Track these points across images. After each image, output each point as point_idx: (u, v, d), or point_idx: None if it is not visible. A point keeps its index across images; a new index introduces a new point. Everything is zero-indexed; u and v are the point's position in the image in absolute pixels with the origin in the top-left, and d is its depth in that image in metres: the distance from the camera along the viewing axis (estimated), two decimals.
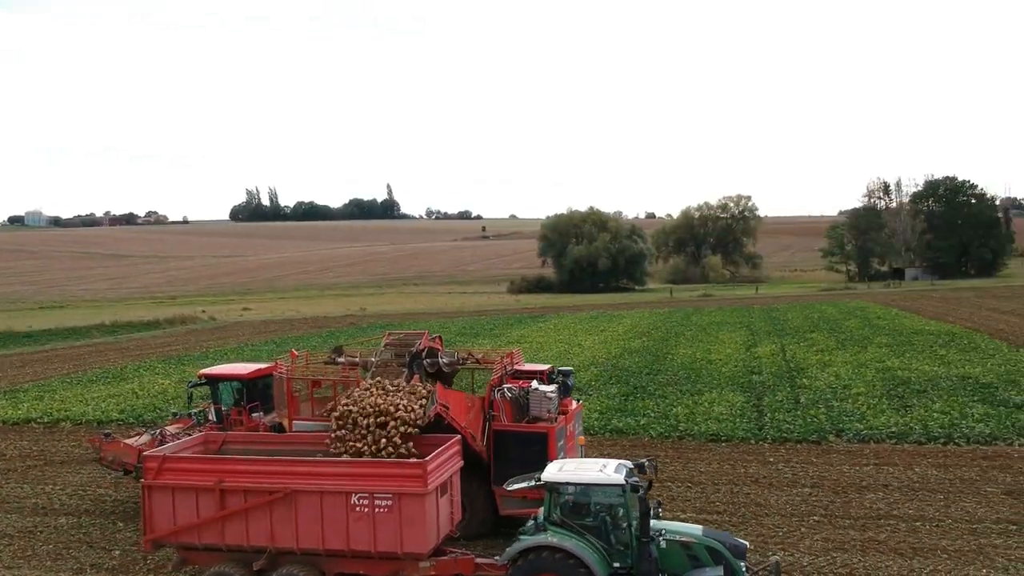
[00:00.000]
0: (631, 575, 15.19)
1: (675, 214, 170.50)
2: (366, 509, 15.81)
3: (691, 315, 76.65)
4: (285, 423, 22.17)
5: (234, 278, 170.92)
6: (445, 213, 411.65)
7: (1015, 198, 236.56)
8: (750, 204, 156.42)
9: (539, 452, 20.07)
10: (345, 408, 17.94)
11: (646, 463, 16.61)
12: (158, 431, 24.82)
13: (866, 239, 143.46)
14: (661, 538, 15.17)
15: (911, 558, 18.86)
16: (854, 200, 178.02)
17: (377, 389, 18.36)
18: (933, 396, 34.61)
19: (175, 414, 28.23)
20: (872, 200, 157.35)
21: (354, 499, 15.86)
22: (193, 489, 16.53)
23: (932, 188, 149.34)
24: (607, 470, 15.77)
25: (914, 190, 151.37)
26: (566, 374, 22.54)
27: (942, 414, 31.48)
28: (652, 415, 33.01)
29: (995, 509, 21.94)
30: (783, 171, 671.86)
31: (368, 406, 17.68)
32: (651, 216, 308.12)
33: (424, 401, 17.97)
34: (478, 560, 16.53)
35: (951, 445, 28.20)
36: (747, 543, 16.01)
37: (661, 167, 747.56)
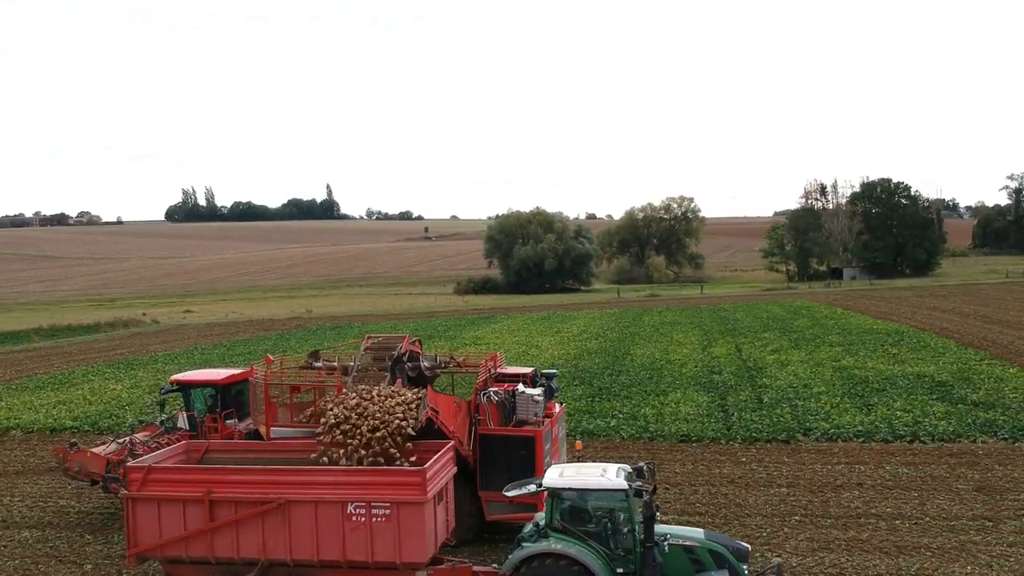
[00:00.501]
0: None
1: (615, 215, 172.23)
2: (363, 518, 15.46)
3: (642, 315, 77.14)
4: (262, 430, 21.64)
5: (174, 280, 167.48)
6: (386, 214, 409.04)
7: (945, 199, 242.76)
8: (692, 205, 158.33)
9: (526, 456, 19.91)
10: (335, 414, 17.53)
11: (645, 467, 16.50)
12: (126, 440, 24.08)
13: (805, 240, 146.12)
14: (665, 543, 15.08)
15: (896, 556, 19.10)
16: (787, 201, 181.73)
17: (365, 394, 17.96)
18: (892, 395, 35.22)
19: (142, 422, 27.40)
20: (809, 201, 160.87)
21: (350, 508, 15.50)
22: (180, 500, 16.00)
23: (869, 190, 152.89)
24: (608, 474, 15.64)
25: (851, 191, 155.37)
26: (549, 377, 22.39)
27: (904, 412, 32.05)
28: (621, 416, 33.03)
29: (969, 506, 22.35)
30: (718, 173, 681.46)
31: (357, 412, 17.28)
32: (591, 217, 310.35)
33: (416, 406, 17.64)
34: (476, 568, 16.29)
35: (916, 443, 28.69)
36: (749, 546, 16.01)
37: (604, 168, 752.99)
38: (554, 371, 23.75)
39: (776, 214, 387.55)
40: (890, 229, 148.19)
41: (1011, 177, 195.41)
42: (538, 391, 20.73)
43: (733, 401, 35.40)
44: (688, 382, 39.71)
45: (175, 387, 22.99)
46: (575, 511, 15.51)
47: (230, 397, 22.59)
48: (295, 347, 57.48)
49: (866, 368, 41.53)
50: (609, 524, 15.44)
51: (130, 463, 17.08)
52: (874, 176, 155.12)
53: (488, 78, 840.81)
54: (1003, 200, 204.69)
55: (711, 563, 15.20)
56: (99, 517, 23.67)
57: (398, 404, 17.50)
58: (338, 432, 17.27)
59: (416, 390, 18.50)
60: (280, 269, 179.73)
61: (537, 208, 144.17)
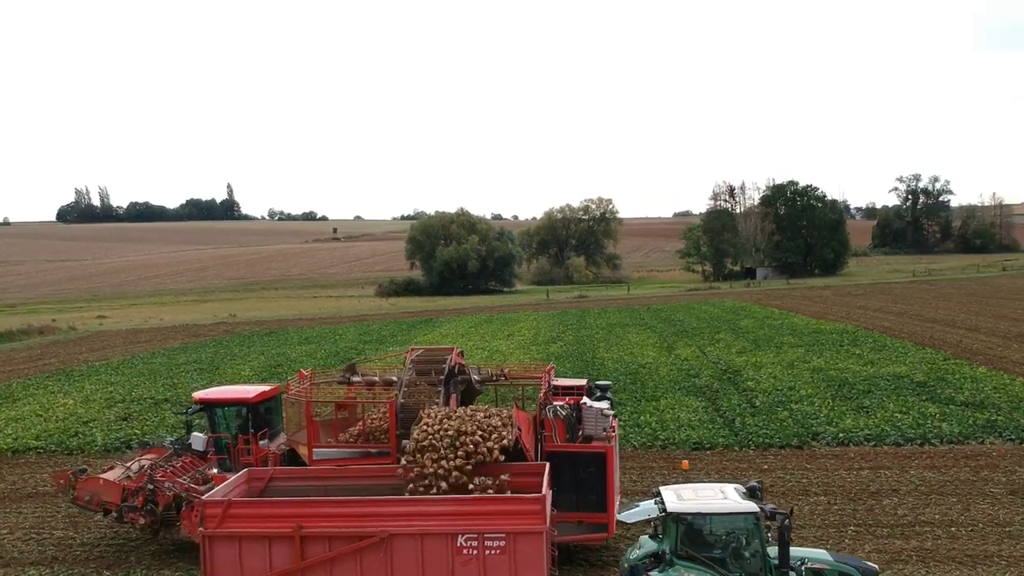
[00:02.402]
0: None
1: (522, 216, 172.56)
2: (475, 551, 14.27)
3: (583, 317, 76.83)
4: (301, 451, 20.14)
5: (77, 284, 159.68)
6: (289, 214, 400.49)
7: (845, 201, 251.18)
8: (611, 207, 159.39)
9: (595, 474, 18.95)
10: (418, 438, 16.24)
11: (757, 486, 15.75)
12: (135, 464, 22.17)
13: (720, 240, 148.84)
14: (803, 567, 14.36)
15: (973, 567, 18.88)
16: (687, 203, 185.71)
17: (451, 415, 16.72)
18: (880, 397, 35.49)
19: (146, 443, 25.32)
20: (718, 203, 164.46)
21: (461, 540, 14.29)
22: (266, 537, 14.51)
23: (779, 192, 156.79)
24: (730, 496, 14.85)
25: (757, 193, 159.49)
26: (604, 388, 21.48)
27: (902, 414, 32.30)
28: (625, 424, 32.31)
29: (1013, 511, 22.39)
30: (622, 176, 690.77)
31: (451, 434, 16.04)
32: (497, 217, 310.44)
33: (507, 426, 16.53)
34: None
35: (928, 446, 28.87)
36: (877, 567, 15.43)
37: (511, 170, 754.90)
38: (608, 382, 22.85)
39: (676, 215, 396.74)
40: (799, 230, 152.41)
41: (900, 179, 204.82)
42: (606, 404, 19.79)
43: (726, 406, 35.14)
44: (672, 386, 39.32)
45: (200, 406, 21.15)
46: (698, 535, 14.67)
47: (259, 416, 20.91)
48: (244, 355, 55.11)
49: (840, 369, 41.90)
50: (736, 549, 14.63)
51: (205, 497, 15.39)
52: (778, 179, 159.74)
53: (390, 75, 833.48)
54: (892, 201, 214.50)
55: None
56: (108, 549, 21.68)
57: (490, 426, 16.33)
58: (424, 457, 16.01)
59: (500, 409, 17.37)
60: (190, 272, 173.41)
61: (460, 209, 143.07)
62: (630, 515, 15.36)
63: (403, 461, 16.48)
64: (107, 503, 20.74)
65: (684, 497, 14.91)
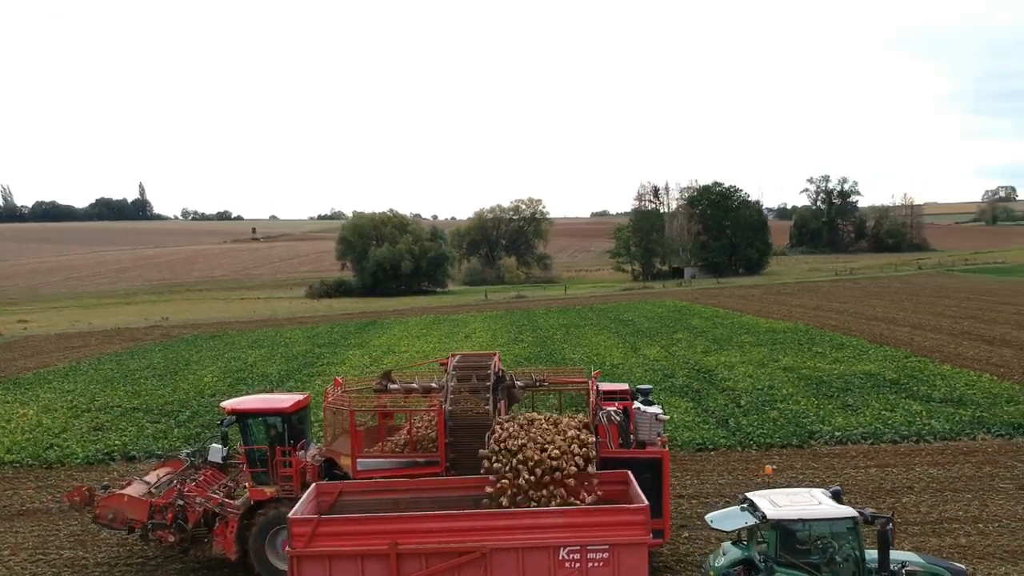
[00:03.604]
0: None
1: (443, 216, 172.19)
2: (577, 564, 13.91)
3: (532, 317, 76.72)
4: (343, 461, 19.41)
5: None
6: (203, 214, 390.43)
7: (759, 201, 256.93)
8: (541, 207, 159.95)
9: (652, 480, 18.71)
10: (494, 451, 15.79)
11: (839, 490, 15.74)
12: (151, 477, 21.14)
13: (648, 240, 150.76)
14: (904, 570, 14.39)
15: (1015, 563, 19.31)
16: (608, 203, 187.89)
17: (536, 425, 16.30)
18: (860, 395, 36.20)
19: (160, 456, 24.09)
20: (643, 203, 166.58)
21: (563, 554, 13.90)
22: (358, 556, 13.89)
23: (704, 193, 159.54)
24: (823, 500, 14.82)
25: (684, 194, 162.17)
26: (645, 392, 21.27)
27: (890, 412, 33.00)
28: None
29: None
30: (546, 176, 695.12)
31: (548, 447, 15.62)
32: (416, 216, 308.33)
33: (587, 436, 16.18)
34: None
35: (923, 443, 29.58)
36: (964, 567, 15.58)
37: (430, 169, 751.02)
38: (649, 386, 22.65)
39: (594, 215, 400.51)
40: (724, 230, 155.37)
41: (811, 180, 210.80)
42: (659, 409, 19.59)
43: (714, 406, 35.40)
44: (653, 387, 39.32)
45: (235, 417, 20.14)
46: (795, 542, 14.57)
47: (293, 426, 20.05)
48: (198, 360, 53.32)
49: (811, 368, 42.66)
50: (834, 554, 14.58)
51: (292, 515, 14.60)
52: (694, 180, 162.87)
53: (301, 73, 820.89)
54: (803, 201, 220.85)
55: None
56: (128, 569, 20.60)
57: (572, 436, 15.97)
58: (507, 470, 15.56)
59: (572, 416, 17.01)
60: (110, 273, 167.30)
61: (391, 210, 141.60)
62: (725, 522, 15.11)
63: (488, 473, 15.97)
64: (132, 520, 19.68)
65: (779, 503, 14.80)
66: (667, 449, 19.15)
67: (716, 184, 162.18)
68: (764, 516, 14.45)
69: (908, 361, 43.92)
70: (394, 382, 20.94)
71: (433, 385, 20.74)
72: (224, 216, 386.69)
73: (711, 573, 15.28)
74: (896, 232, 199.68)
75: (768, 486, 19.09)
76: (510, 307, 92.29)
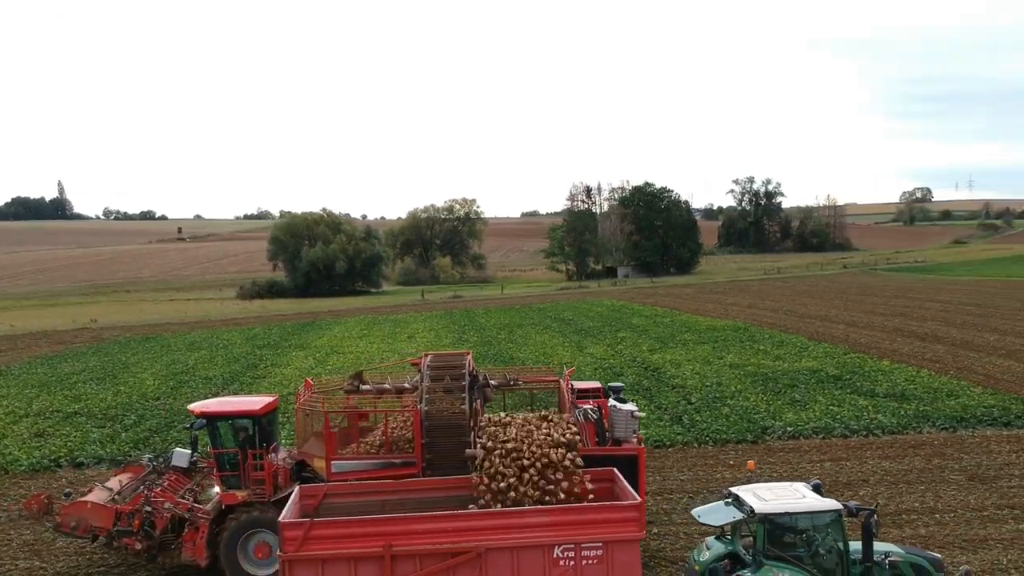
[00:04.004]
0: None
1: (372, 216, 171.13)
2: (571, 562, 13.95)
3: (472, 317, 76.68)
4: (317, 464, 19.14)
5: None
6: (126, 213, 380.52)
7: (688, 202, 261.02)
8: (476, 207, 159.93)
9: (628, 477, 18.81)
10: (485, 450, 15.74)
11: (818, 483, 16.07)
12: (112, 483, 20.54)
13: (582, 240, 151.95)
14: (886, 560, 14.76)
15: (974, 551, 19.94)
16: (534, 204, 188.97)
17: (523, 424, 16.29)
18: (806, 391, 37.01)
19: (121, 462, 23.36)
20: (575, 203, 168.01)
21: (557, 552, 13.93)
22: (351, 559, 13.70)
23: (637, 193, 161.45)
24: (807, 494, 15.13)
25: (613, 194, 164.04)
26: (616, 390, 21.43)
27: (837, 408, 33.82)
28: None
29: (980, 496, 23.85)
30: (476, 176, 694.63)
31: (536, 445, 15.62)
32: (346, 216, 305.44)
33: (575, 434, 16.23)
34: None
35: (872, 437, 30.38)
36: (940, 556, 16.03)
37: (360, 168, 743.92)
38: (621, 384, 22.80)
39: (524, 215, 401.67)
40: (656, 230, 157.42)
41: (736, 181, 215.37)
42: (634, 406, 19.75)
43: (666, 403, 35.82)
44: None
45: (205, 421, 19.63)
46: (780, 535, 14.82)
47: (263, 428, 19.68)
48: (136, 362, 51.97)
49: (756, 365, 43.49)
50: (817, 546, 14.88)
51: (283, 519, 14.31)
52: (630, 180, 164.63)
53: (227, 70, 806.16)
54: (728, 202, 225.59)
55: None
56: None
57: (560, 434, 16.01)
58: (497, 469, 15.53)
59: (564, 416, 17.05)
60: (30, 274, 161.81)
61: (324, 209, 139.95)
62: (712, 517, 15.27)
63: (476, 473, 15.90)
64: (96, 528, 19.09)
65: (765, 498, 15.05)
66: (643, 446, 19.32)
67: (648, 185, 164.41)
68: (752, 510, 14.67)
69: (847, 357, 45.06)
70: (366, 383, 20.74)
71: (406, 385, 20.60)
72: (148, 216, 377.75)
73: (696, 568, 15.44)
74: (820, 232, 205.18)
75: (748, 480, 19.41)
76: (448, 307, 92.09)
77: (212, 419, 19.36)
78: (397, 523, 14.02)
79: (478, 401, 19.37)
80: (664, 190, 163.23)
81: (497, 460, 15.74)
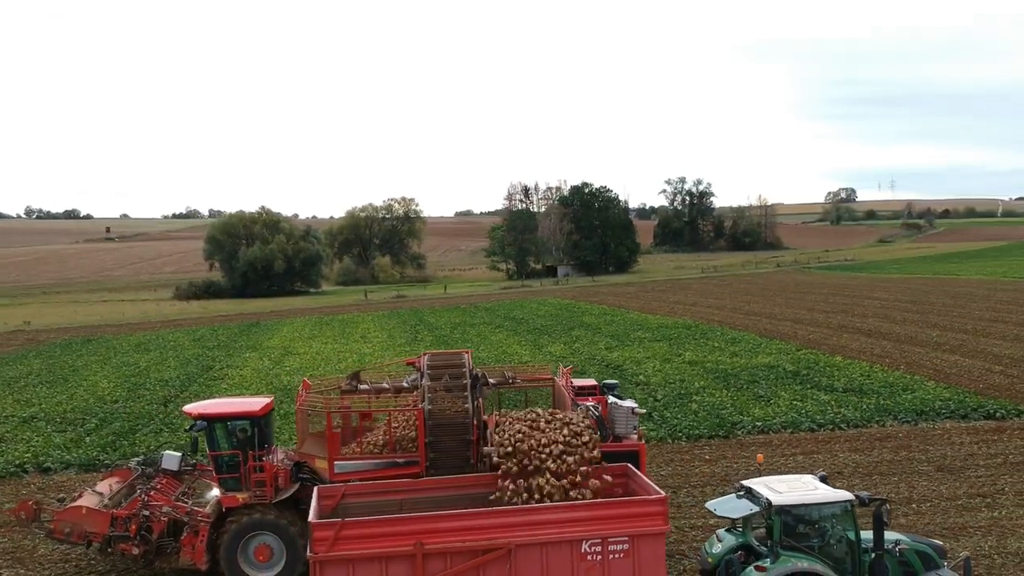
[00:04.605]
0: None
1: (304, 215, 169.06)
2: (599, 557, 14.13)
3: (421, 317, 76.48)
4: (319, 464, 19.02)
5: None
6: (49, 212, 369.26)
7: (626, 201, 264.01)
8: (415, 206, 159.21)
9: None
10: (503, 448, 15.85)
11: (824, 475, 16.55)
12: (101, 487, 20.11)
13: (523, 239, 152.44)
14: (897, 548, 15.27)
15: (955, 539, 20.65)
16: (470, 203, 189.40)
17: (539, 421, 16.43)
18: (768, 386, 37.84)
19: (108, 465, 22.79)
20: (513, 202, 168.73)
21: (584, 547, 14.10)
22: (382, 558, 13.68)
23: (576, 193, 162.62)
24: (819, 486, 15.59)
25: (557, 195, 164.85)
26: (612, 387, 21.70)
27: (800, 402, 34.66)
28: None
29: (952, 486, 24.68)
30: (411, 175, 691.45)
31: (555, 442, 15.77)
32: (280, 215, 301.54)
33: (593, 430, 16.45)
34: None
35: (838, 431, 31.22)
36: (942, 543, 16.62)
37: (292, 167, 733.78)
38: (616, 382, 23.06)
39: (458, 215, 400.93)
40: (595, 229, 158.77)
41: (668, 182, 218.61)
42: (634, 403, 20.03)
43: (637, 401, 36.19)
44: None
45: (206, 422, 19.25)
46: (794, 526, 15.23)
47: (262, 430, 19.45)
48: (84, 365, 50.64)
49: (714, 362, 44.30)
50: (829, 536, 15.34)
51: (313, 520, 14.16)
52: (566, 179, 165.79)
53: (155, 66, 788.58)
54: (660, 202, 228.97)
55: (920, 565, 15.62)
56: None
57: (582, 430, 16.21)
58: (513, 467, 15.66)
59: (578, 411, 17.23)
60: None
61: (262, 208, 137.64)
62: (729, 510, 15.58)
63: (501, 470, 15.98)
64: (91, 534, 18.65)
65: (779, 490, 15.44)
66: (643, 442, 19.63)
67: (585, 184, 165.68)
68: (769, 502, 15.04)
69: (800, 354, 46.15)
70: (364, 383, 20.66)
71: (404, 385, 20.57)
72: (72, 215, 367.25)
73: (710, 560, 15.78)
74: (752, 232, 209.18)
75: (753, 474, 19.81)
76: (393, 307, 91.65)
77: (212, 421, 19.06)
78: (428, 521, 14.04)
79: (480, 399, 19.44)
80: (603, 189, 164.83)
81: (518, 458, 15.84)
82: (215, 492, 19.39)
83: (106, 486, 20.42)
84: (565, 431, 16.34)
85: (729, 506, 15.73)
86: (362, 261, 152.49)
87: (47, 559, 20.94)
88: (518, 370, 22.39)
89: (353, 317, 79.84)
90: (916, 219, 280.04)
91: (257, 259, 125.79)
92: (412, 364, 21.42)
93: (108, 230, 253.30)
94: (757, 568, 14.78)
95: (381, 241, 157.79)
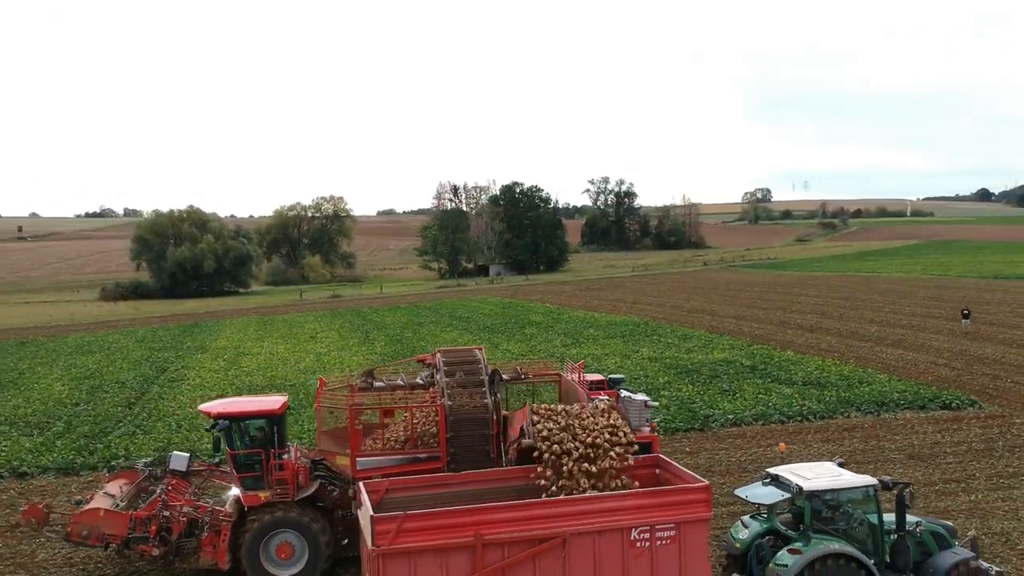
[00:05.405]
0: (887, 569, 15.98)
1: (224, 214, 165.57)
2: (647, 543, 14.65)
3: (365, 316, 76.18)
4: (338, 460, 19.16)
5: None
6: None
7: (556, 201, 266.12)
8: (344, 205, 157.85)
9: None
10: (546, 444, 16.32)
11: (841, 461, 17.35)
12: (112, 489, 19.88)
13: (455, 239, 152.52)
14: (918, 529, 16.14)
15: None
16: (392, 202, 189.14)
17: (572, 414, 16.88)
18: (730, 381, 38.97)
19: (112, 467, 22.36)
20: (442, 201, 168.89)
21: (634, 534, 14.61)
22: (441, 550, 13.95)
23: (507, 192, 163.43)
24: (846, 472, 16.41)
25: (487, 194, 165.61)
26: (616, 382, 22.26)
27: (765, 395, 35.82)
28: None
29: (927, 472, 25.92)
30: (331, 174, 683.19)
31: (586, 435, 16.25)
32: (212, 214, 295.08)
33: (625, 424, 16.97)
34: None
35: (806, 422, 32.37)
36: (952, 523, 17.58)
37: (207, 163, 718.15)
38: (622, 376, 23.60)
39: (380, 214, 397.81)
40: (526, 229, 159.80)
41: (592, 182, 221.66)
42: (646, 397, 20.62)
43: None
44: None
45: (228, 421, 19.05)
46: (820, 510, 15.97)
47: (281, 428, 19.43)
48: (30, 368, 49.21)
49: (672, 358, 45.37)
50: (853, 520, 16.14)
51: (376, 514, 14.28)
52: (495, 179, 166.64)
53: (59, 59, 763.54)
54: (584, 201, 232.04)
55: (935, 545, 16.54)
56: None
57: (615, 424, 16.73)
58: (557, 460, 16.12)
59: (607, 403, 17.71)
60: None
61: (191, 207, 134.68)
62: (760, 496, 16.21)
63: (542, 464, 16.40)
64: (110, 536, 18.41)
65: (807, 476, 16.17)
66: (656, 434, 20.24)
67: (516, 184, 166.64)
68: (800, 488, 15.77)
69: (753, 349, 47.56)
70: (379, 380, 20.82)
71: (419, 381, 20.81)
72: None
73: (737, 545, 16.41)
74: (677, 231, 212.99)
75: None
76: (330, 307, 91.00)
77: (233, 420, 18.98)
78: (485, 513, 14.32)
79: (497, 395, 19.81)
80: (535, 189, 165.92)
81: (559, 450, 16.28)
82: (234, 491, 19.32)
83: (116, 487, 20.18)
84: (603, 421, 16.85)
85: (759, 493, 16.41)
86: (291, 261, 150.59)
87: (50, 563, 20.55)
88: (526, 366, 22.80)
89: (294, 318, 79.02)
90: (831, 218, 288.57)
91: (186, 259, 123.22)
92: (423, 361, 21.68)
93: (20, 229, 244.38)
94: (791, 551, 15.45)
95: (310, 240, 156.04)
